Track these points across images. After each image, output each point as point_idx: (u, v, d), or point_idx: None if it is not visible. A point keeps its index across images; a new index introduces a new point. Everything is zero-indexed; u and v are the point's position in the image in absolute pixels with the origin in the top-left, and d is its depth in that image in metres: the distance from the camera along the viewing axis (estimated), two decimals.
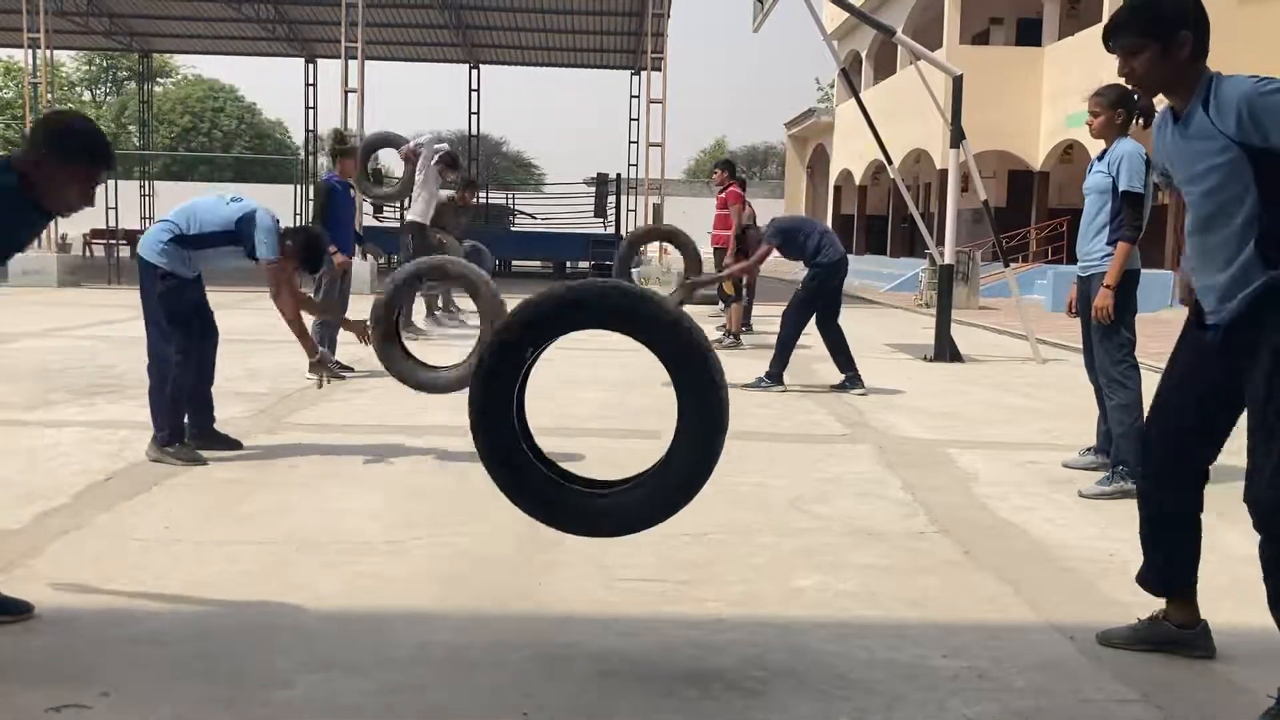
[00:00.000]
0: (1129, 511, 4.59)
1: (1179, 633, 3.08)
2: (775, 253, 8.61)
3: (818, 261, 8.08)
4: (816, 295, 8.16)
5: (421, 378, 5.56)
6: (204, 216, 5.20)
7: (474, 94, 29.90)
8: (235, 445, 5.47)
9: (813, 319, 8.23)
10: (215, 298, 5.64)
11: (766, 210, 14.10)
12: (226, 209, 5.23)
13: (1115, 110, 5.06)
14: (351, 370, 8.16)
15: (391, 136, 11.96)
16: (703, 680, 2.84)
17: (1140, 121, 5.15)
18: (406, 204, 10.94)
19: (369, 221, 17.85)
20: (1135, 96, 5.08)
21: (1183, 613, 3.08)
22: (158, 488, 4.72)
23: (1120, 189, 5.03)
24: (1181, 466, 2.98)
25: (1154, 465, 3.05)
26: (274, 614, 3.25)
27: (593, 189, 28.43)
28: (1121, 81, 2.99)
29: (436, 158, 10.83)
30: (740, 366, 9.54)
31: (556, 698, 2.71)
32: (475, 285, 5.59)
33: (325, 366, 5.62)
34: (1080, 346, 5.59)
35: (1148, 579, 3.13)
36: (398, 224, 13.20)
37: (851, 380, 8.13)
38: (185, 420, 5.29)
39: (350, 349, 8.81)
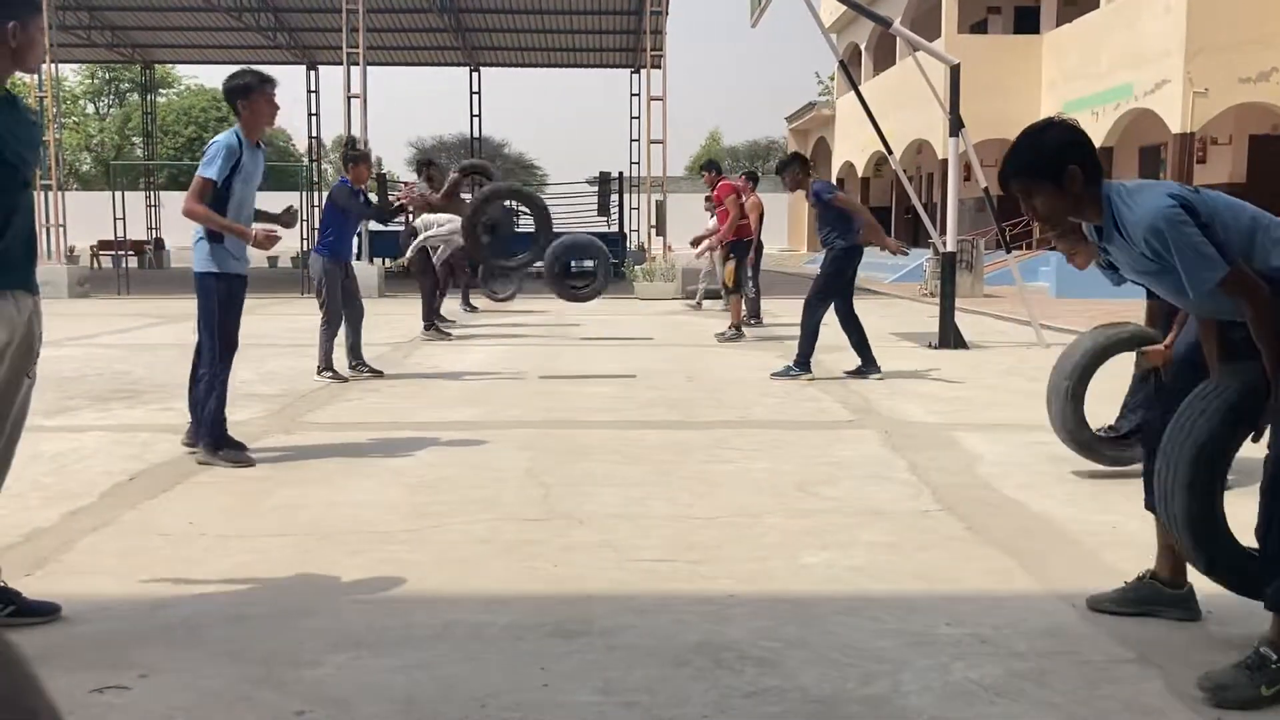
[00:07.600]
0: (1132, 488, 4.72)
1: (1166, 592, 3.18)
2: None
3: (841, 245, 8.10)
4: (836, 280, 8.19)
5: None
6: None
7: (475, 96, 30.04)
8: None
9: (830, 309, 8.28)
10: None
11: (769, 202, 14.24)
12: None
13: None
14: (381, 374, 8.30)
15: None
16: (716, 650, 2.94)
17: None
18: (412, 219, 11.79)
19: (373, 226, 17.97)
20: None
21: (1170, 571, 3.18)
22: (180, 486, 4.84)
23: None
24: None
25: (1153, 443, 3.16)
26: (300, 599, 3.37)
27: (595, 188, 28.53)
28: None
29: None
30: (743, 358, 9.64)
31: (573, 668, 2.82)
32: None
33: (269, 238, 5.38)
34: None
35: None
36: (401, 227, 13.52)
37: (868, 366, 8.25)
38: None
39: (371, 350, 8.93)
